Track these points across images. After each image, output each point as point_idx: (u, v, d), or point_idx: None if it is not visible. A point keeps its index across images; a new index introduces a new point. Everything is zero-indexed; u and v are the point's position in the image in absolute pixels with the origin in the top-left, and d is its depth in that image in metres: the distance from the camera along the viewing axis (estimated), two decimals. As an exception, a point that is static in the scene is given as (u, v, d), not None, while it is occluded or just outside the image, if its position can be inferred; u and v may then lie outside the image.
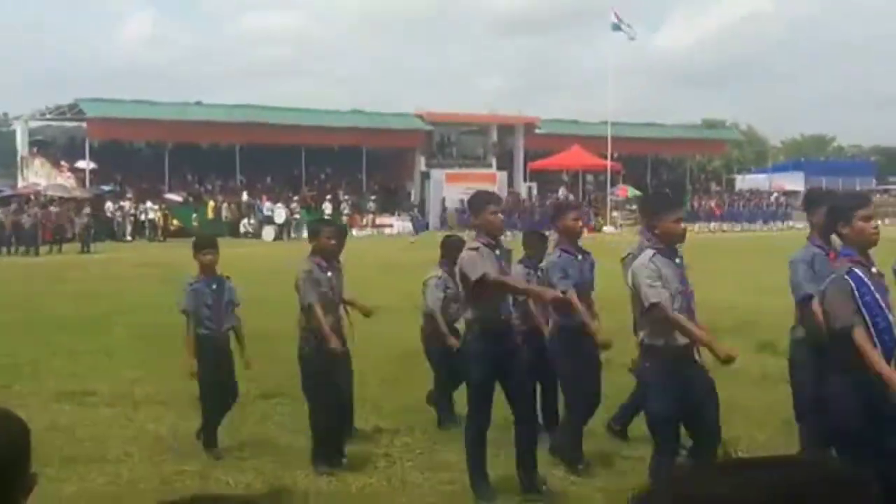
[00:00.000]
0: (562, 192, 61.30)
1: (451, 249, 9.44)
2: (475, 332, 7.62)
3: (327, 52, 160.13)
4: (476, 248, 7.46)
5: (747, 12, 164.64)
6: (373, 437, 9.16)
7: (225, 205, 51.24)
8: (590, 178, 61.30)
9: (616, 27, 55.17)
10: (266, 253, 37.91)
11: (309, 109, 58.19)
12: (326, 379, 8.47)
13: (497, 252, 7.55)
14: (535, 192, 59.83)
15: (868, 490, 0.85)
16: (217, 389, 8.91)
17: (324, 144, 56.63)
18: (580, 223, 8.74)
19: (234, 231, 49.08)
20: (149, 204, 47.92)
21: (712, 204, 58.29)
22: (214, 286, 9.18)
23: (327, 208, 51.20)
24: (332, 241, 8.92)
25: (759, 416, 9.71)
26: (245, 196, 52.05)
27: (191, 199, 52.08)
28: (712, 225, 55.02)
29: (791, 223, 55.50)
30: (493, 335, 7.55)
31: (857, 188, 67.03)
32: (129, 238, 45.91)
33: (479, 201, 7.82)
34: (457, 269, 7.82)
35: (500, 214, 7.79)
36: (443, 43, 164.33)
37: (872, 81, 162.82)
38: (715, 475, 0.89)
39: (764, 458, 0.91)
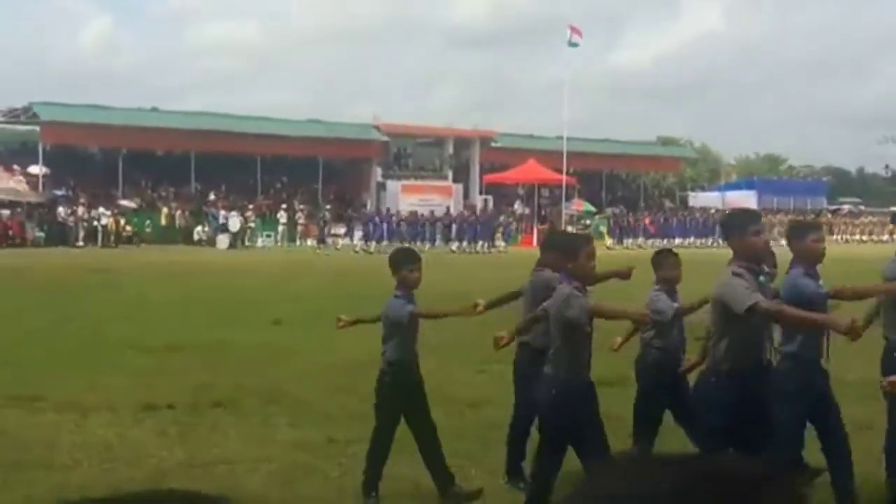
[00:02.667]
0: (517, 205, 61.50)
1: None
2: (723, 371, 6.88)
3: (285, 62, 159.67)
4: (739, 274, 6.71)
5: (705, 31, 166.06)
6: (325, 447, 9.10)
7: (179, 212, 50.96)
8: (545, 192, 61.44)
9: (572, 44, 55.49)
10: (221, 261, 37.73)
11: (265, 118, 58.02)
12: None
13: (761, 278, 6.91)
14: (490, 205, 59.94)
15: (783, 487, 0.86)
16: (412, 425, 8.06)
17: (280, 154, 56.46)
18: (823, 245, 7.29)
19: (187, 239, 48.84)
20: (101, 210, 47.50)
21: (646, 220, 58.34)
22: (412, 308, 7.94)
23: (282, 217, 51.07)
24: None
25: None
26: (204, 206, 51.80)
27: (144, 205, 51.72)
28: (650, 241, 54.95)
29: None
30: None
31: (809, 207, 67.89)
32: (81, 244, 45.49)
33: (740, 221, 7.15)
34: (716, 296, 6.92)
35: (763, 235, 7.07)
36: (401, 55, 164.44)
37: (825, 102, 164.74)
38: (621, 472, 0.90)
39: (677, 454, 0.92)
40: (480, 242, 49.31)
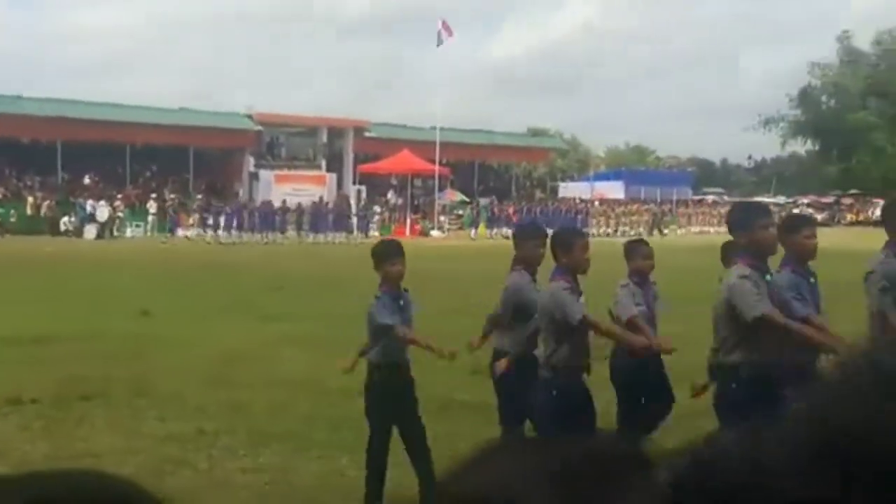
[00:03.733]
0: (391, 195, 61.58)
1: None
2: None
3: (159, 49, 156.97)
4: (746, 276, 6.34)
5: (576, 24, 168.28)
6: (194, 439, 9.02)
7: (45, 202, 49.78)
8: (418, 182, 61.66)
9: (440, 43, 55.92)
10: (89, 251, 37.02)
11: (134, 106, 56.83)
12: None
13: (767, 276, 6.45)
14: (364, 194, 59.91)
15: (641, 462, 0.85)
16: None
17: (150, 142, 55.47)
18: (815, 241, 6.91)
19: (53, 229, 47.76)
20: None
21: (510, 210, 58.71)
22: (401, 302, 7.60)
23: (152, 207, 50.28)
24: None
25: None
26: (71, 195, 50.68)
27: (9, 195, 50.38)
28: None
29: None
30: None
31: (675, 198, 69.38)
32: (-60, 233, 44.20)
33: (747, 215, 6.73)
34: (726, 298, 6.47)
35: (772, 229, 6.57)
36: (276, 43, 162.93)
37: (691, 95, 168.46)
38: (493, 457, 0.90)
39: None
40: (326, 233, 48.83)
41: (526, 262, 7.86)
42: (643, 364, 8.00)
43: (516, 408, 7.65)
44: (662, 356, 8.16)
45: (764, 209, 6.98)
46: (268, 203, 50.81)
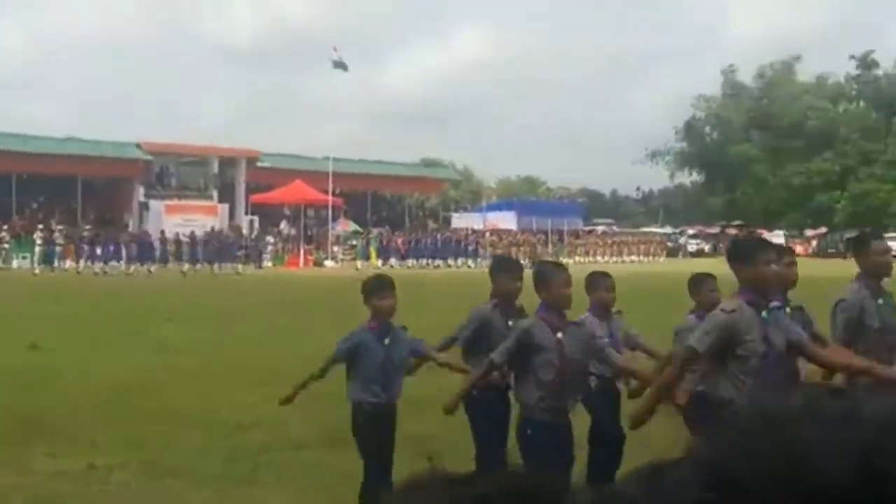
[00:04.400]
0: (283, 225, 61.30)
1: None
2: None
3: (45, 74, 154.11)
4: (731, 310, 6.16)
5: (470, 56, 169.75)
6: (86, 475, 8.87)
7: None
8: (311, 212, 61.50)
9: (336, 64, 55.78)
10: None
11: (20, 135, 55.79)
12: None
13: (763, 313, 6.19)
14: (256, 225, 59.56)
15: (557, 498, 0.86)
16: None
17: (36, 172, 54.42)
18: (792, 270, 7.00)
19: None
20: None
21: (399, 241, 58.69)
22: (387, 340, 7.23)
23: (38, 239, 49.24)
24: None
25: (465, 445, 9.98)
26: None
27: None
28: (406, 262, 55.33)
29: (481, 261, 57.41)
30: None
31: (566, 228, 70.22)
32: None
33: (748, 249, 6.45)
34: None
35: (774, 265, 6.32)
36: (167, 71, 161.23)
37: (580, 126, 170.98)
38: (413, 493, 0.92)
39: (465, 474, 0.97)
40: (216, 264, 48.03)
41: (501, 296, 7.74)
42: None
43: (489, 431, 7.58)
44: None
45: (767, 245, 6.67)
46: (144, 232, 50.10)
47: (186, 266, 46.45)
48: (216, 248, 49.97)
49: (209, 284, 38.64)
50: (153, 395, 12.71)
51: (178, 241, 48.66)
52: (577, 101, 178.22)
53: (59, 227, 52.23)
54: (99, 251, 46.33)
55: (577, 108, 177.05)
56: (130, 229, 53.86)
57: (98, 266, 45.74)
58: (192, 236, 49.19)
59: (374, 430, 7.14)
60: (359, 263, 52.82)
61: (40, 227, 50.95)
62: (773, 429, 0.77)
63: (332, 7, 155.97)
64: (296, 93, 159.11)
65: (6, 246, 48.31)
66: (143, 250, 47.22)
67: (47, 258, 46.71)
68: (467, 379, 7.32)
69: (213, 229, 52.20)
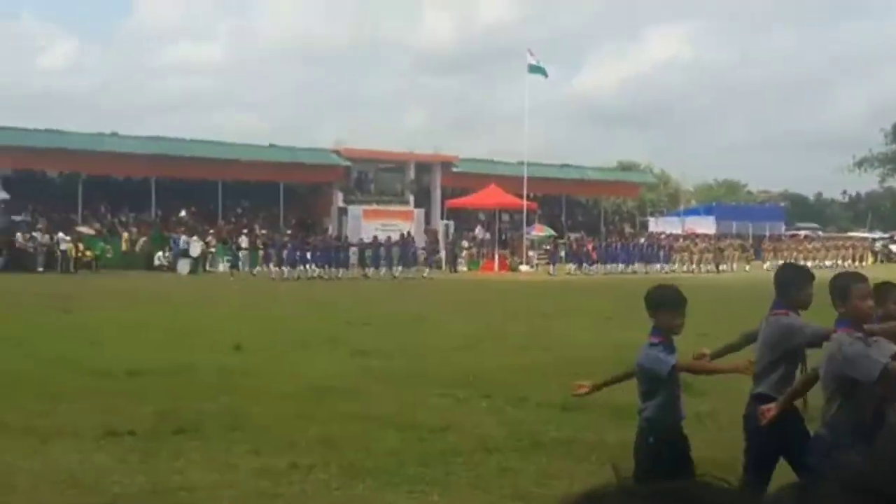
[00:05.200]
0: (478, 229, 61.65)
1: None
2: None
3: (247, 83, 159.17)
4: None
5: (667, 57, 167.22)
6: (287, 474, 9.07)
7: (140, 238, 50.71)
8: (506, 217, 61.66)
9: (533, 69, 55.80)
10: (182, 286, 37.63)
11: (225, 142, 57.74)
12: None
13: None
14: (451, 229, 60.07)
15: None
16: None
17: (240, 178, 56.29)
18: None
19: (148, 264, 48.60)
20: (61, 235, 47.15)
21: (589, 246, 57.70)
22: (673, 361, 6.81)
23: (243, 242, 50.87)
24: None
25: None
26: (165, 231, 51.55)
27: (104, 231, 51.40)
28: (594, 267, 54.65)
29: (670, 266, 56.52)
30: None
31: (767, 232, 68.40)
32: (41, 269, 45.11)
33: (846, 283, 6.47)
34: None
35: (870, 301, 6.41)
36: (364, 77, 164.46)
37: (784, 128, 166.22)
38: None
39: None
40: (400, 267, 48.47)
41: (792, 305, 7.25)
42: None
43: (765, 454, 7.10)
44: None
45: (860, 277, 6.63)
46: (329, 237, 51.17)
47: (383, 271, 47.20)
48: (415, 251, 50.68)
49: (406, 288, 39.16)
50: (350, 397, 12.93)
51: (385, 245, 49.40)
52: (778, 103, 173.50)
53: (263, 231, 53.87)
54: (298, 255, 47.36)
55: (779, 111, 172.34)
56: (330, 234, 55.08)
57: (290, 271, 46.64)
58: (390, 240, 49.95)
59: (668, 450, 6.75)
60: (551, 269, 52.69)
61: (245, 231, 52.69)
62: None
63: (528, 11, 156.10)
64: (491, 97, 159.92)
65: (213, 250, 50.05)
66: (338, 255, 48.19)
67: (252, 262, 48.14)
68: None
69: (409, 234, 52.80)
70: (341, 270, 46.81)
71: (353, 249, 50.13)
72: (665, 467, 6.48)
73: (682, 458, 6.77)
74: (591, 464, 9.38)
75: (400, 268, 48.09)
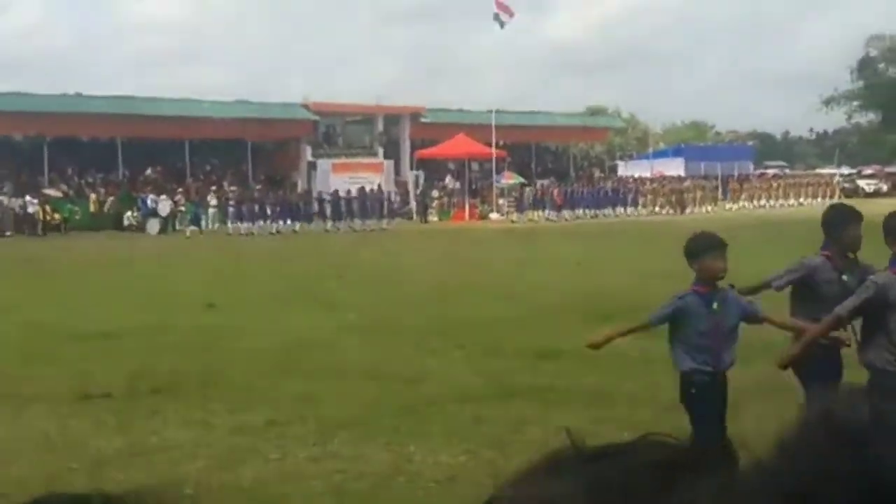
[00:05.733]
0: (448, 179, 61.60)
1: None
2: None
3: (214, 40, 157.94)
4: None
5: (633, 2, 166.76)
6: (265, 429, 9.13)
7: (108, 199, 50.38)
8: (475, 166, 61.60)
9: (496, 17, 55.59)
10: (152, 246, 37.52)
11: (191, 100, 57.28)
12: None
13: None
14: (421, 180, 59.98)
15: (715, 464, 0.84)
16: None
17: (208, 136, 55.95)
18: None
19: (117, 224, 48.36)
20: (28, 198, 46.84)
21: (554, 192, 57.74)
22: (716, 305, 6.68)
23: (212, 200, 50.64)
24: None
25: (642, 397, 9.91)
26: (133, 190, 51.26)
27: (72, 192, 51.07)
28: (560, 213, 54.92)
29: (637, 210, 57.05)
30: None
31: (736, 172, 68.70)
32: (9, 233, 44.83)
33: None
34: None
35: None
36: (329, 31, 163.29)
37: (749, 67, 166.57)
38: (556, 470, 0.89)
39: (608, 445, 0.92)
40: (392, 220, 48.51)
41: (839, 246, 7.22)
42: None
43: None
44: None
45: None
46: (317, 192, 51.13)
47: (361, 222, 47.37)
48: (384, 203, 50.80)
49: (376, 240, 39.20)
50: (325, 351, 12.98)
51: (357, 197, 49.54)
52: (744, 43, 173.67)
53: (232, 189, 53.59)
54: (258, 210, 47.48)
55: (745, 51, 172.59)
56: (299, 189, 54.96)
57: (270, 226, 46.72)
58: (362, 193, 50.00)
59: (707, 400, 6.65)
60: (516, 216, 52.85)
61: (213, 189, 52.44)
62: (849, 447, 0.75)
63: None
64: (457, 46, 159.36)
65: (182, 209, 49.81)
66: (322, 208, 48.37)
67: (219, 219, 47.95)
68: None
69: (378, 186, 52.67)
70: (301, 224, 46.98)
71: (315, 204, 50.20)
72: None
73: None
74: (566, 410, 9.47)
75: (360, 221, 48.32)
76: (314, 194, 51.51)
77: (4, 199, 46.75)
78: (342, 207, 49.33)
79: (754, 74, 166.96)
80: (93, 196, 50.51)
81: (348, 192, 49.99)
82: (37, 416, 9.84)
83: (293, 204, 49.27)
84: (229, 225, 46.07)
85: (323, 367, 11.84)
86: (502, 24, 56.13)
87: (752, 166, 75.91)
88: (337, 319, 15.80)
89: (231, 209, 47.20)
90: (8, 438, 9.06)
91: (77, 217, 48.08)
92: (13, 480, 7.93)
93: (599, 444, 0.86)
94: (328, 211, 49.40)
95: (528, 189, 58.21)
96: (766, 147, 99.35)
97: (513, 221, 51.41)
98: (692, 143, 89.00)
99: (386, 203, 51.54)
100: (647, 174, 67.60)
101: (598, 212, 55.49)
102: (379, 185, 52.75)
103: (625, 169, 73.53)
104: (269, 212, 47.45)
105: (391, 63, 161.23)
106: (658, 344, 10.90)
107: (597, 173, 71.52)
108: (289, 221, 47.20)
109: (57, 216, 47.19)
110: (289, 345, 13.43)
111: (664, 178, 65.02)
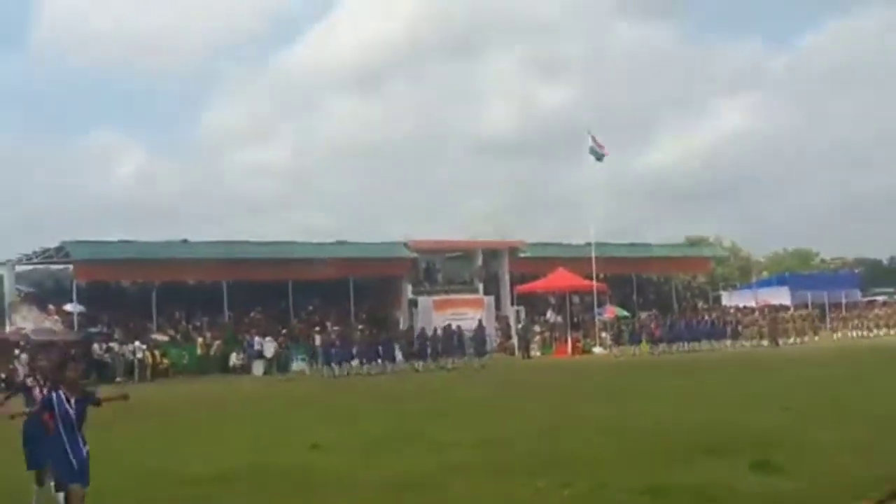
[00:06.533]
0: (549, 313, 61.44)
1: None
2: None
3: (312, 183, 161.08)
4: None
5: (730, 130, 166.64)
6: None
7: (215, 342, 51.05)
8: (576, 299, 61.41)
9: (592, 151, 55.94)
10: (257, 387, 37.86)
11: (293, 242, 58.42)
12: None
13: None
14: (522, 315, 59.91)
15: None
16: None
17: (310, 277, 56.77)
18: None
19: (223, 367, 48.96)
20: (137, 344, 47.74)
21: (652, 326, 57.19)
22: None
23: (317, 340, 51.05)
24: None
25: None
26: (238, 333, 51.99)
27: (179, 336, 51.95)
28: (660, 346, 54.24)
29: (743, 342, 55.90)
30: None
31: (844, 301, 67.29)
32: (119, 379, 45.59)
33: None
34: None
35: None
36: (424, 169, 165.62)
37: (853, 193, 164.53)
38: None
39: None
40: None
41: None
42: None
43: None
44: None
45: None
46: (423, 330, 51.08)
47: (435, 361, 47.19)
48: (485, 339, 50.63)
49: (480, 377, 39.06)
50: (431, 491, 12.83)
51: (457, 334, 49.46)
52: (846, 169, 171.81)
53: (335, 328, 54.01)
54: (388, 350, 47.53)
55: (849, 176, 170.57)
56: (401, 327, 55.22)
57: (368, 367, 46.68)
58: (460, 330, 49.94)
59: None
60: (617, 349, 52.54)
61: (317, 328, 52.93)
62: None
63: (586, 92, 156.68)
64: (554, 180, 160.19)
65: (287, 350, 50.25)
66: (424, 346, 48.37)
67: (327, 359, 48.06)
68: None
69: (479, 322, 52.69)
70: (405, 362, 46.93)
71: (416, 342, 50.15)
72: None
73: None
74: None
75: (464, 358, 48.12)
76: (416, 332, 51.55)
77: (115, 346, 47.67)
78: (444, 344, 49.22)
79: (858, 199, 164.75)
80: (199, 339, 51.28)
81: (449, 327, 49.97)
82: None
83: (396, 342, 49.41)
84: (333, 365, 46.17)
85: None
86: (600, 157, 56.41)
87: (859, 293, 74.37)
88: (442, 459, 15.65)
89: (334, 350, 47.34)
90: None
91: (184, 361, 48.79)
92: None
93: None
94: (429, 349, 49.26)
95: (631, 321, 57.75)
96: (874, 273, 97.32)
97: (616, 356, 50.90)
98: (796, 271, 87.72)
99: (488, 339, 51.48)
100: (752, 304, 66.61)
101: (697, 344, 54.51)
102: (480, 321, 52.77)
103: (728, 299, 72.59)
104: (372, 351, 47.52)
105: (488, 198, 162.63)
106: (773, 480, 10.62)
107: (700, 304, 70.75)
108: (392, 361, 47.17)
109: (165, 361, 47.94)
110: (394, 486, 13.31)
111: (765, 307, 63.84)
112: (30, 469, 12.76)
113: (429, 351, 48.87)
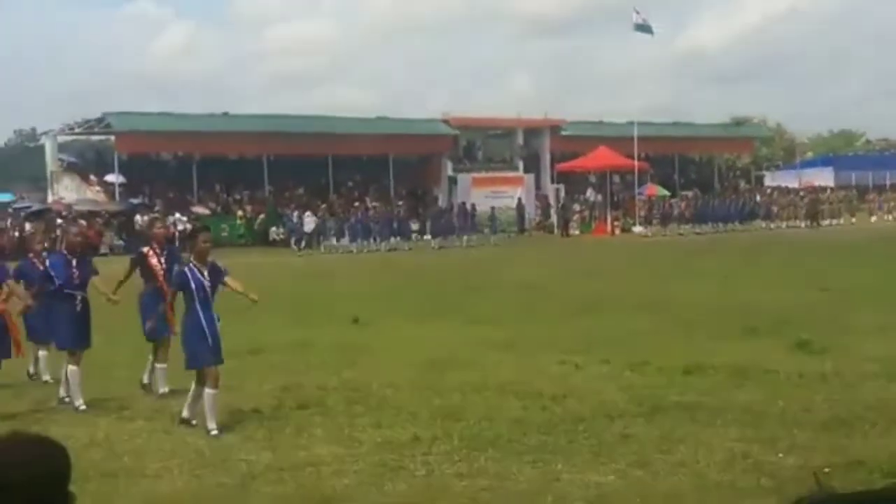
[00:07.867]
0: (590, 192, 61.13)
1: None
2: None
3: (357, 58, 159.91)
4: None
5: (777, 9, 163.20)
6: (410, 446, 9.09)
7: (257, 216, 51.25)
8: (617, 178, 60.93)
9: (638, 27, 54.87)
10: (297, 261, 38.09)
11: (334, 117, 58.15)
12: None
13: None
14: (562, 193, 59.66)
15: None
16: None
17: (351, 153, 56.64)
18: None
19: (263, 241, 49.25)
20: (178, 216, 47.97)
21: (682, 206, 56.93)
22: None
23: (355, 215, 51.11)
24: None
25: (797, 416, 9.61)
26: (278, 207, 52.14)
27: (219, 210, 52.17)
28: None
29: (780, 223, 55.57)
30: None
31: (888, 182, 66.50)
32: (160, 251, 45.93)
33: None
34: None
35: None
36: (469, 47, 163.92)
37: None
38: None
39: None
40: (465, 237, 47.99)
41: None
42: None
43: None
44: None
45: None
46: (463, 206, 50.95)
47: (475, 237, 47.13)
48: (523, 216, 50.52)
49: (517, 254, 39.10)
50: (468, 367, 12.91)
51: (486, 212, 49.36)
52: (893, 50, 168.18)
53: (374, 204, 54.06)
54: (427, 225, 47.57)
55: (893, 56, 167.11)
56: (440, 203, 55.18)
57: (404, 243, 46.82)
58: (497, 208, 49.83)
59: None
60: (656, 229, 52.33)
61: (356, 204, 53.00)
62: None
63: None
64: (597, 59, 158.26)
65: (327, 225, 50.43)
66: (463, 222, 48.38)
67: (366, 234, 48.17)
68: None
69: (519, 200, 52.56)
70: (444, 238, 47.03)
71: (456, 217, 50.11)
72: None
73: None
74: (715, 428, 9.23)
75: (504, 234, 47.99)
76: (455, 209, 51.48)
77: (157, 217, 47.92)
78: (484, 220, 49.21)
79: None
80: (240, 213, 51.51)
81: (490, 205, 49.91)
82: (187, 432, 10.01)
83: (436, 218, 49.42)
84: (372, 240, 46.32)
85: (467, 383, 11.78)
86: (649, 30, 55.26)
87: (905, 175, 73.44)
88: (480, 335, 15.74)
89: (373, 225, 47.46)
90: (160, 453, 9.22)
91: (224, 234, 49.07)
92: (164, 495, 8.06)
93: (850, 491, 0.84)
94: (469, 224, 49.19)
95: (663, 202, 57.45)
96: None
97: (647, 236, 50.79)
98: (841, 152, 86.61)
99: (527, 216, 51.37)
100: (796, 185, 65.98)
101: (731, 225, 54.11)
102: (520, 199, 52.62)
103: (772, 180, 71.95)
104: (411, 227, 47.61)
105: (531, 77, 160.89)
106: (813, 361, 10.63)
107: (743, 184, 70.11)
108: (430, 236, 47.20)
109: (206, 233, 48.18)
110: (432, 360, 13.41)
111: (802, 189, 63.19)
112: (149, 340, 12.57)
113: (469, 226, 48.81)
